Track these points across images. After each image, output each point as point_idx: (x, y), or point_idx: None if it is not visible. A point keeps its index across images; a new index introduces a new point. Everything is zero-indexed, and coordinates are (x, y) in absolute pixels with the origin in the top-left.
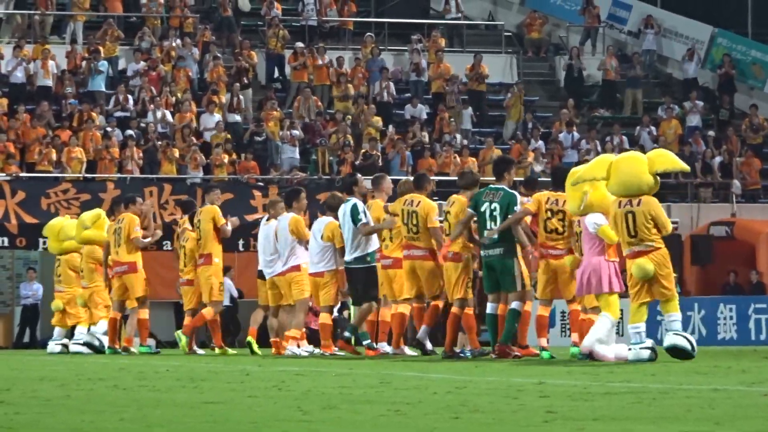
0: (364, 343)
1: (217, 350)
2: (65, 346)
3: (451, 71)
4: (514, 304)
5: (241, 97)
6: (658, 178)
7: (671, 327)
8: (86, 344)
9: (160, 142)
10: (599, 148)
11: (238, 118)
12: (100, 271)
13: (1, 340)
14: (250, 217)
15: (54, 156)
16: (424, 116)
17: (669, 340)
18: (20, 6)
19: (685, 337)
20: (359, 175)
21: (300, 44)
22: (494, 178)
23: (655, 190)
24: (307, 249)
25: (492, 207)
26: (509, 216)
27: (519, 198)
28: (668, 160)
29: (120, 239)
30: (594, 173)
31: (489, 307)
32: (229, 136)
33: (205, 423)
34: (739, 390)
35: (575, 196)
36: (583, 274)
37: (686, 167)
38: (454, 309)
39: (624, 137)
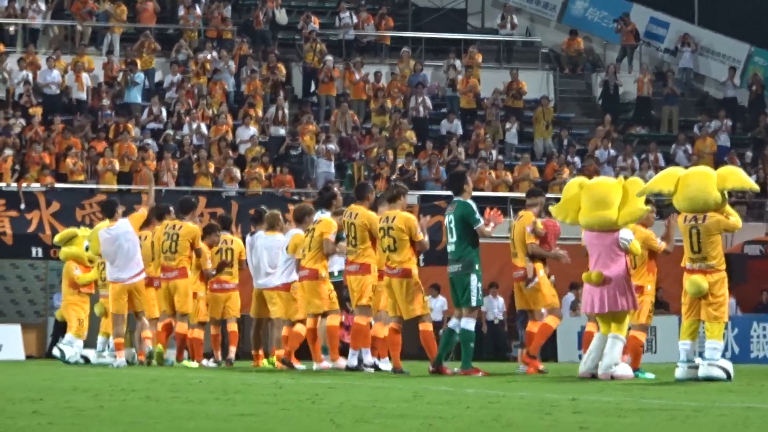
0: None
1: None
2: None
3: (479, 87)
4: (462, 322)
5: (286, 111)
6: (726, 194)
7: (711, 356)
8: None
9: (195, 155)
10: (636, 166)
11: (282, 131)
12: None
13: (33, 350)
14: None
15: (89, 167)
16: (460, 132)
17: (704, 371)
18: (57, 17)
19: (721, 368)
20: (336, 190)
21: (329, 57)
22: (454, 194)
23: (722, 207)
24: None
25: (449, 220)
26: (462, 224)
27: (474, 206)
28: (738, 178)
29: (176, 246)
30: (661, 187)
31: (451, 322)
32: (263, 150)
33: None
34: None
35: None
36: (603, 290)
37: (756, 187)
38: (421, 326)
39: (659, 155)
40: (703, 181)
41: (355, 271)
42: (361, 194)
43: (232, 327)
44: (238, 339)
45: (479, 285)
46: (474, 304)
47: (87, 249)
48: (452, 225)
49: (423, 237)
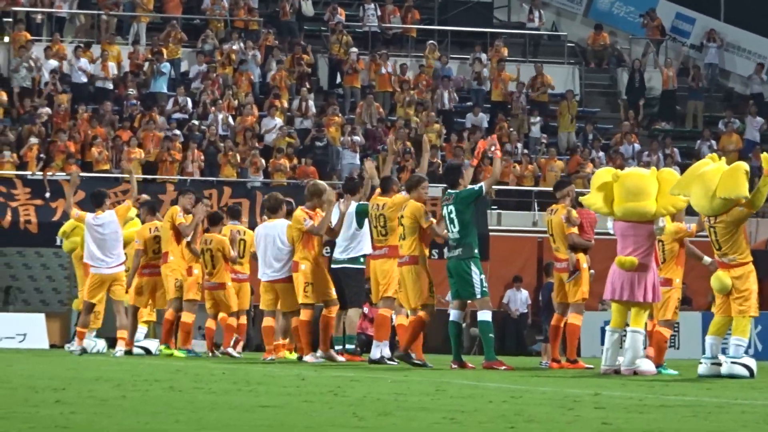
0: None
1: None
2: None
3: (513, 80)
4: (480, 315)
5: (310, 103)
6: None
7: (735, 353)
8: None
9: (222, 145)
10: (661, 161)
11: (306, 124)
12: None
13: (57, 339)
14: None
15: (114, 156)
16: (485, 125)
17: (727, 368)
18: (83, 6)
19: (744, 365)
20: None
21: (354, 49)
22: (449, 186)
23: (728, 207)
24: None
25: (449, 210)
26: (468, 209)
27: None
28: (730, 186)
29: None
30: (681, 188)
31: (452, 314)
32: (291, 140)
33: (261, 427)
34: None
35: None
36: (631, 277)
37: (741, 196)
38: (420, 314)
39: (676, 150)
40: (708, 186)
41: (383, 255)
42: (386, 187)
43: (242, 319)
44: (246, 331)
45: (482, 276)
46: (479, 296)
47: None
48: (453, 215)
49: (431, 223)
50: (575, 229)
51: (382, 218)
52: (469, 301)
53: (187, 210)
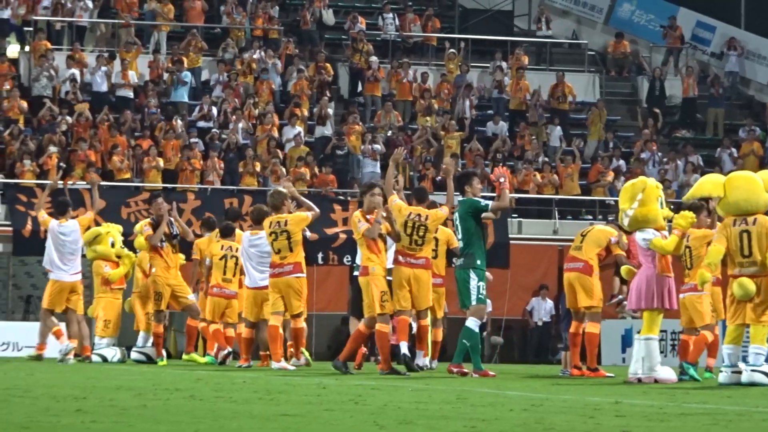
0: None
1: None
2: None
3: (530, 89)
4: (468, 321)
5: (330, 111)
6: None
7: (754, 361)
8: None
9: (243, 153)
10: (681, 169)
11: (326, 132)
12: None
13: (77, 348)
14: (329, 231)
15: (134, 165)
16: (506, 133)
17: (747, 376)
18: (104, 15)
19: (764, 373)
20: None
21: (374, 58)
22: (460, 194)
23: None
24: None
25: (455, 217)
26: (470, 219)
27: (479, 199)
28: None
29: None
30: (710, 191)
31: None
32: (307, 149)
33: None
34: None
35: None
36: (639, 288)
37: None
38: (360, 326)
39: (696, 158)
40: (750, 184)
41: (420, 265)
42: (421, 197)
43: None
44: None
45: (479, 284)
46: (474, 302)
47: (113, 245)
48: (457, 222)
49: (363, 230)
50: (623, 252)
51: (422, 228)
52: (487, 310)
53: (161, 216)
